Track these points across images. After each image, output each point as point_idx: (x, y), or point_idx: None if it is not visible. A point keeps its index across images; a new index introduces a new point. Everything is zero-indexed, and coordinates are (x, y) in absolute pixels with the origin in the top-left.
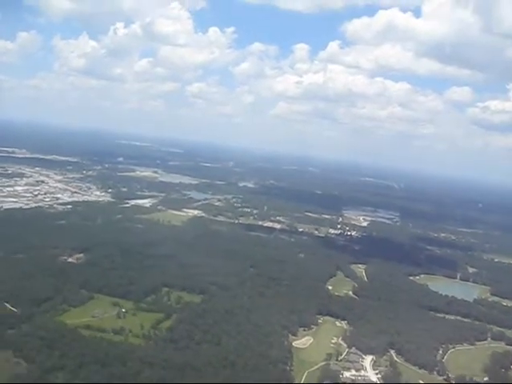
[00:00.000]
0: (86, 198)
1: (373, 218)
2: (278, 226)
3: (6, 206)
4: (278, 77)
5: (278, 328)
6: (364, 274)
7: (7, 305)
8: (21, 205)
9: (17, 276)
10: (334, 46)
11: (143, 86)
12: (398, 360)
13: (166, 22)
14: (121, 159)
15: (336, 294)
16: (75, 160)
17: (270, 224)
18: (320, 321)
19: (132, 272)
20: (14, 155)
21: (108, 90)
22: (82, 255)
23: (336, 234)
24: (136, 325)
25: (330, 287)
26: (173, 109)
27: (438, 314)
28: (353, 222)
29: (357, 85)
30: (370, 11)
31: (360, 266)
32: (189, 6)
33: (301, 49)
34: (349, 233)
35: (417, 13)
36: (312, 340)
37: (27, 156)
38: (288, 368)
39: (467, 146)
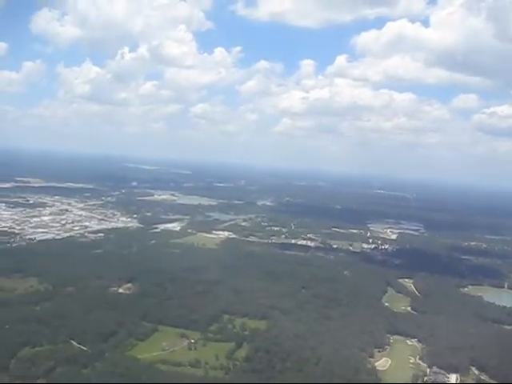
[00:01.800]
0: (113, 224)
1: (400, 230)
2: (311, 243)
3: (38, 237)
4: (283, 94)
5: (356, 351)
6: (414, 288)
7: (73, 342)
8: (52, 235)
9: (75, 311)
10: (341, 59)
11: (146, 109)
12: (483, 377)
13: (172, 44)
14: (135, 183)
15: (395, 310)
16: (90, 186)
17: (303, 242)
18: (391, 340)
19: (188, 300)
20: (30, 185)
21: (112, 115)
22: (130, 285)
23: (371, 249)
24: (210, 356)
25: (386, 304)
26: (176, 130)
27: (506, 327)
28: (382, 236)
29: (363, 98)
30: (379, 23)
31: (406, 280)
32: (195, 28)
33: (307, 65)
34: (383, 247)
35: (425, 23)
36: (390, 361)
37: (43, 185)
38: None
39: (472, 152)
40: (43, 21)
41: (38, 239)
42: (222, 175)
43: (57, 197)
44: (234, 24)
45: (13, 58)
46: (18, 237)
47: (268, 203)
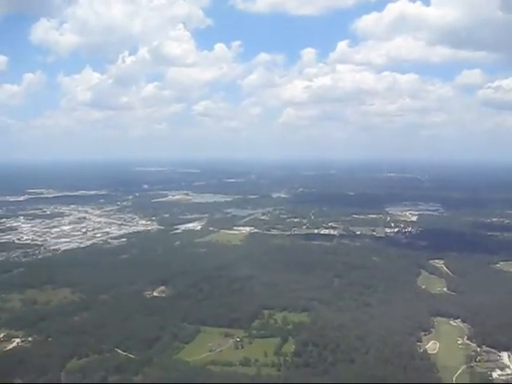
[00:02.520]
0: (134, 228)
1: (419, 212)
2: (334, 232)
3: (62, 247)
4: (286, 84)
5: (404, 336)
6: (446, 269)
7: (119, 350)
8: (75, 244)
9: (114, 319)
10: (343, 45)
11: (150, 111)
12: None
13: (172, 44)
14: (146, 186)
15: (432, 292)
16: (103, 193)
17: (326, 231)
18: (435, 323)
19: (225, 299)
20: (43, 196)
21: (115, 119)
22: (163, 288)
23: (394, 233)
24: (258, 353)
25: (423, 287)
26: (180, 129)
27: None
28: (402, 219)
29: (366, 82)
30: (380, 6)
31: (437, 261)
32: (194, 26)
33: (309, 53)
34: (406, 230)
35: (426, 1)
36: (438, 344)
37: (56, 195)
38: (436, 376)
39: (478, 128)
40: (42, 31)
41: (62, 249)
42: (231, 171)
43: (72, 205)
44: (233, 19)
45: (14, 70)
46: (42, 248)
47: (283, 195)
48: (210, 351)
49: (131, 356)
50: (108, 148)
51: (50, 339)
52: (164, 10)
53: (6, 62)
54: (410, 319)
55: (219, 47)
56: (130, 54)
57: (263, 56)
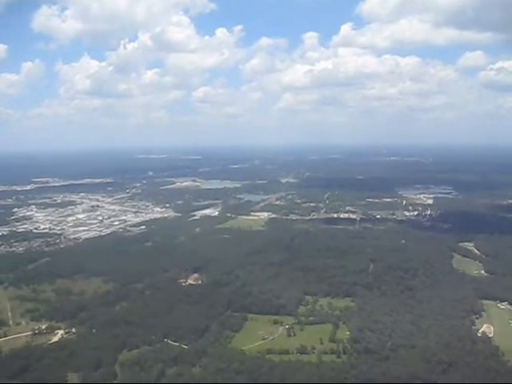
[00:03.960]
0: (150, 216)
1: (433, 195)
2: (354, 216)
3: (82, 235)
4: (287, 69)
5: (458, 320)
6: (477, 251)
7: (169, 341)
8: (95, 233)
9: (156, 308)
10: (346, 28)
11: (149, 98)
12: None
13: (174, 29)
14: (151, 173)
15: (471, 275)
16: (110, 180)
17: (345, 215)
18: (484, 306)
19: (265, 286)
20: (50, 185)
21: (114, 107)
22: (196, 275)
23: (415, 216)
24: (313, 340)
25: (460, 269)
26: (179, 116)
27: None
28: (418, 202)
29: (367, 65)
30: None
31: (466, 243)
32: (198, 11)
33: (311, 37)
34: (425, 213)
35: None
36: (492, 327)
37: (63, 184)
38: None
39: (478, 111)
40: (43, 18)
41: (83, 238)
42: (233, 157)
43: (82, 194)
44: (237, 3)
45: (13, 59)
46: (61, 237)
47: (291, 180)
48: (262, 339)
49: (184, 346)
50: (107, 136)
51: (94, 330)
52: None
53: (5, 50)
54: (460, 302)
55: (221, 32)
56: (131, 41)
57: (265, 40)
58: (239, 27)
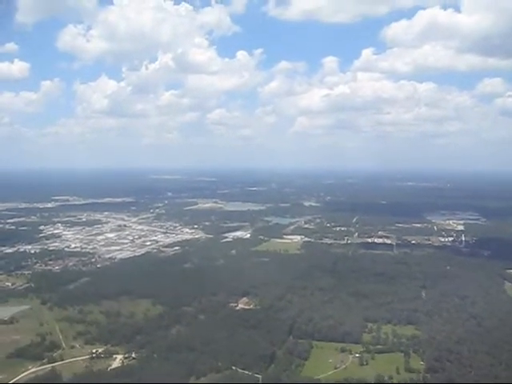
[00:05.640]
0: (180, 236)
1: (462, 221)
2: (388, 241)
3: (116, 255)
4: (305, 93)
5: None
6: None
7: (238, 369)
8: (128, 253)
9: (213, 333)
10: (367, 53)
11: (164, 119)
12: None
13: (196, 51)
14: (170, 194)
15: None
16: (131, 200)
17: (380, 240)
18: None
19: (323, 312)
20: (71, 203)
21: (128, 128)
22: (245, 299)
23: (451, 242)
24: (388, 370)
25: None
26: (191, 138)
27: None
28: (448, 228)
29: (385, 90)
30: (410, 13)
31: None
32: (221, 33)
33: (331, 61)
34: (460, 239)
35: (458, 8)
36: None
37: (84, 202)
38: None
39: (493, 138)
40: (69, 37)
41: (118, 257)
42: (249, 180)
43: (106, 213)
44: (262, 26)
45: (37, 77)
46: (96, 256)
47: (313, 204)
48: (334, 368)
49: (257, 376)
50: (118, 156)
51: (155, 355)
52: (192, 16)
53: (27, 68)
54: None
55: (241, 55)
56: (153, 61)
57: (285, 64)
58: (260, 50)
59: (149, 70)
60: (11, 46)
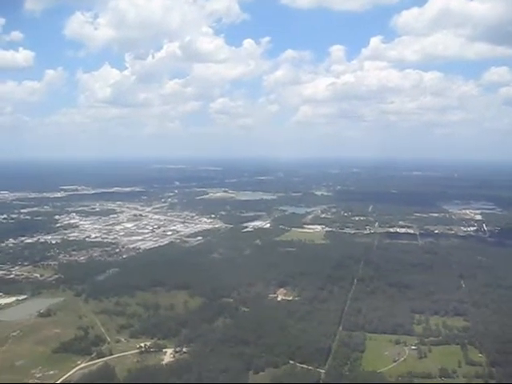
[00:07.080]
0: (200, 226)
1: (479, 211)
2: (411, 230)
3: (140, 245)
4: (311, 82)
5: None
6: None
7: (297, 363)
8: (151, 243)
9: (262, 325)
10: (376, 41)
11: (167, 109)
12: None
13: (203, 39)
14: (178, 183)
15: None
16: (140, 190)
17: (402, 230)
18: None
19: (368, 302)
20: (80, 192)
21: (130, 117)
22: (283, 290)
23: (474, 231)
24: (449, 363)
25: None
26: (193, 127)
27: None
28: (467, 217)
29: (391, 79)
30: (423, 1)
31: None
32: (230, 21)
33: (338, 50)
34: (484, 228)
35: None
36: None
37: (94, 192)
38: None
39: (495, 127)
40: (76, 25)
41: (142, 248)
42: (254, 169)
43: (118, 202)
44: (272, 14)
45: (42, 65)
46: (120, 247)
47: (325, 193)
48: (393, 361)
49: (320, 370)
50: (120, 145)
51: (207, 350)
52: (201, 4)
53: (32, 57)
54: None
55: (248, 43)
56: (159, 50)
57: (291, 52)
58: (267, 38)
59: (154, 59)
60: (17, 35)
